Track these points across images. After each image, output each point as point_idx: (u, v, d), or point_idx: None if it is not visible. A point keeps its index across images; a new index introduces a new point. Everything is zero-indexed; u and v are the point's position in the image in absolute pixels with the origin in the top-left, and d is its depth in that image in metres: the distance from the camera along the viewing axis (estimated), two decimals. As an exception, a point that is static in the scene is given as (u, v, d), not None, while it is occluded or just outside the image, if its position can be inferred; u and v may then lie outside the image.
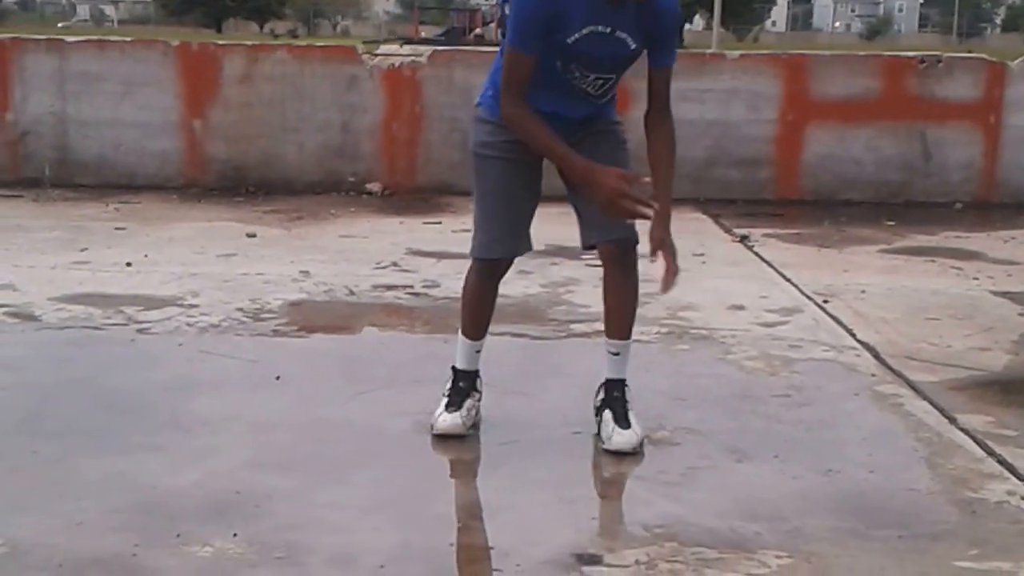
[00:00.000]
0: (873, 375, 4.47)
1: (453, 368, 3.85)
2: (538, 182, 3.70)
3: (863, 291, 5.90)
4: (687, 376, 4.47)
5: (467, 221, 7.44)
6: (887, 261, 6.86)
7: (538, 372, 4.51)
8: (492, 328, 4.95)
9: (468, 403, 3.78)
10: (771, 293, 5.86)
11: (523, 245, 3.73)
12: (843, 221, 8.20)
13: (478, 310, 3.83)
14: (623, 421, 3.67)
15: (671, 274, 3.57)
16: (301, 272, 6.10)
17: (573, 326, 5.16)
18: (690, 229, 7.69)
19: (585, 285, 5.92)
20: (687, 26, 76.37)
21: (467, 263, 6.20)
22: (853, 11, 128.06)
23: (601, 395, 3.79)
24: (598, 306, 5.40)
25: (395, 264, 6.27)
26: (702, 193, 8.89)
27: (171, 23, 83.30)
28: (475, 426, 3.79)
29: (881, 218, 8.32)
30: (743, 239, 7.37)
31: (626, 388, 3.76)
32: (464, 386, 3.81)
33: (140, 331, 4.91)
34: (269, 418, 3.87)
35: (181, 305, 5.35)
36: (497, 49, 3.72)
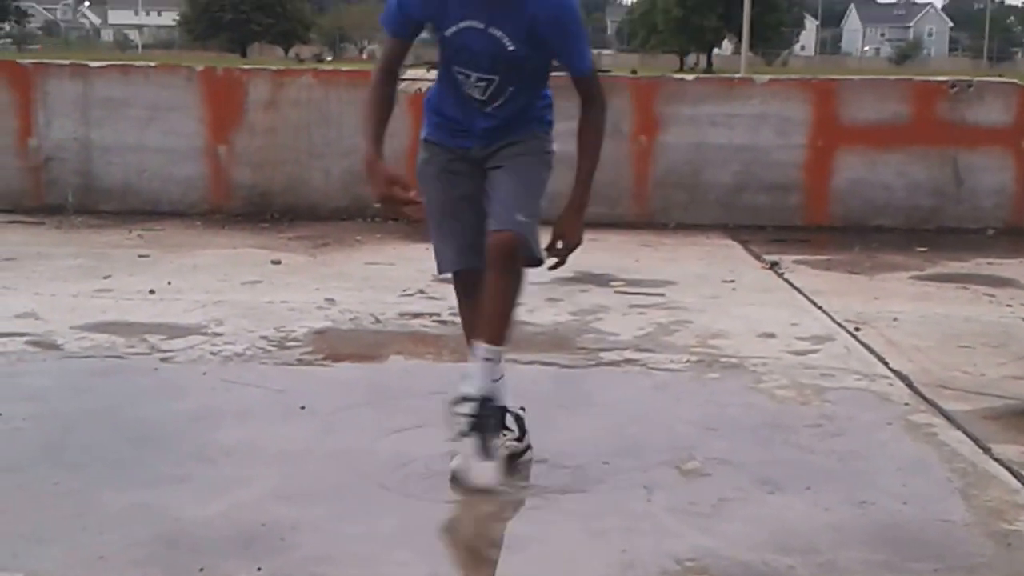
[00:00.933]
0: (906, 404, 4.40)
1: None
2: (474, 197, 3.63)
3: (895, 319, 5.82)
4: (718, 405, 4.40)
5: None
6: (919, 288, 6.78)
7: (568, 401, 4.44)
8: (520, 356, 4.94)
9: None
10: (802, 321, 5.79)
11: (475, 257, 3.64)
12: (874, 247, 8.11)
13: (465, 321, 3.84)
14: (487, 451, 3.48)
15: (554, 264, 3.61)
16: (326, 300, 6.05)
17: (603, 354, 5.10)
18: (719, 256, 7.69)
19: (614, 312, 5.87)
20: (715, 50, 76.51)
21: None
22: (882, 35, 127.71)
23: (466, 410, 3.49)
24: (628, 334, 5.43)
25: (421, 291, 6.22)
26: (731, 219, 8.85)
27: (196, 48, 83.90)
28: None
29: (912, 244, 8.23)
30: (773, 265, 7.29)
31: (507, 415, 3.59)
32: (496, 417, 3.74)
33: (163, 360, 4.87)
34: (295, 449, 3.82)
35: (205, 333, 5.31)
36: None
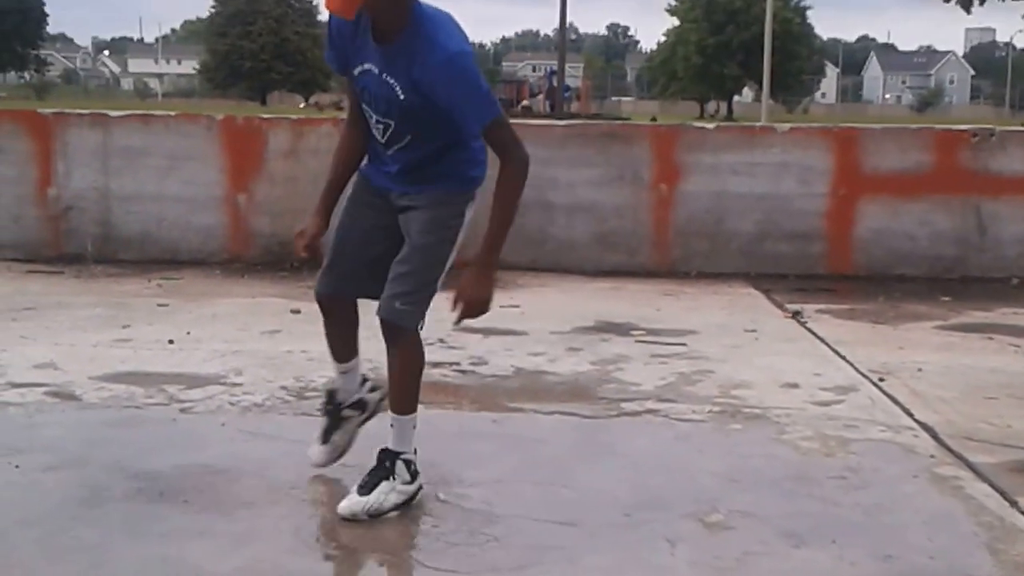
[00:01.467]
0: (932, 456, 4.35)
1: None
2: (381, 231, 3.73)
3: (919, 369, 5.77)
4: (741, 456, 4.36)
5: (515, 296, 7.51)
6: (943, 338, 6.71)
7: (589, 453, 4.40)
8: (540, 407, 4.91)
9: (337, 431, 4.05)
10: (825, 371, 5.74)
11: (349, 287, 3.83)
12: (897, 297, 8.04)
13: (332, 344, 4.06)
14: (366, 488, 3.65)
15: (456, 321, 3.65)
16: (345, 349, 6.01)
17: (624, 405, 5.06)
18: (741, 305, 7.64)
19: (635, 362, 5.83)
20: (736, 98, 76.80)
21: (517, 340, 6.25)
22: (903, 83, 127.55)
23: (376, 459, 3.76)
24: (649, 384, 5.39)
25: (441, 340, 6.18)
26: (753, 268, 8.80)
27: (216, 96, 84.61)
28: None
29: (936, 294, 8.15)
30: (796, 315, 7.24)
31: (400, 463, 3.71)
32: (331, 409, 4.09)
33: (182, 411, 4.85)
34: (314, 501, 3.80)
35: (224, 384, 5.29)
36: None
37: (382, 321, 3.65)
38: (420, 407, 4.97)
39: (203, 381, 5.32)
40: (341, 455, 4.05)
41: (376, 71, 3.46)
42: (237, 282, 8.34)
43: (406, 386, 3.73)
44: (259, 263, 8.95)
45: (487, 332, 6.43)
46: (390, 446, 3.73)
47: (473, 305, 3.59)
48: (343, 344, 4.00)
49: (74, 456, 4.21)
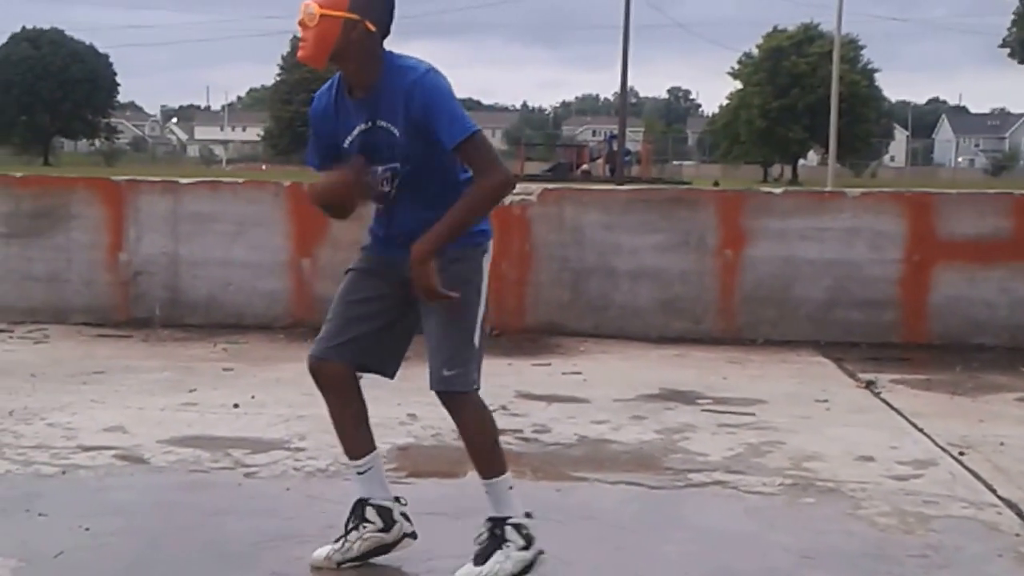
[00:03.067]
0: (1017, 535, 4.21)
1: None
2: (386, 301, 3.75)
3: (1002, 443, 5.59)
4: (815, 532, 4.25)
5: (578, 363, 7.46)
6: (1026, 411, 6.52)
7: (656, 525, 4.32)
8: (605, 476, 4.83)
9: (349, 536, 3.81)
10: (902, 443, 5.59)
11: (347, 353, 3.81)
12: (976, 367, 7.82)
13: (337, 425, 3.98)
14: (480, 558, 3.64)
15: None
16: (408, 415, 6.00)
17: (691, 475, 4.97)
18: (811, 373, 7.50)
19: (702, 432, 5.74)
20: (801, 161, 76.50)
21: (579, 407, 6.16)
22: (976, 146, 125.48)
23: (483, 527, 3.73)
24: (717, 454, 5.29)
25: (504, 407, 6.13)
26: (822, 335, 8.62)
27: (278, 162, 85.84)
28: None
29: (1017, 364, 7.92)
30: (869, 385, 7.07)
31: (509, 527, 3.68)
32: (355, 515, 3.84)
33: (248, 475, 4.86)
34: (377, 569, 3.77)
35: (288, 448, 5.29)
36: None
37: (438, 394, 3.68)
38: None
39: (268, 446, 5.33)
40: (345, 561, 3.79)
41: (368, 125, 3.54)
42: (301, 347, 8.33)
43: (484, 449, 3.72)
44: (321, 328, 8.95)
45: (550, 399, 6.38)
46: (492, 513, 3.70)
47: (422, 291, 3.55)
48: (355, 426, 3.91)
49: (143, 520, 4.23)
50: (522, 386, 6.75)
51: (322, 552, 3.78)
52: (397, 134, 3.51)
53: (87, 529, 4.09)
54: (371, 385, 6.72)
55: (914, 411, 6.32)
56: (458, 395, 3.66)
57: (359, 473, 3.86)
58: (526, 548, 3.68)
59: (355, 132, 3.57)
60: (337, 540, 3.79)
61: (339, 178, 3.58)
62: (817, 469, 5.06)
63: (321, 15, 3.42)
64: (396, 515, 3.83)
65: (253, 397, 6.40)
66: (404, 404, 6.25)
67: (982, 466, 5.15)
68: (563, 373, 7.12)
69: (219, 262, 9.17)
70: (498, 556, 3.62)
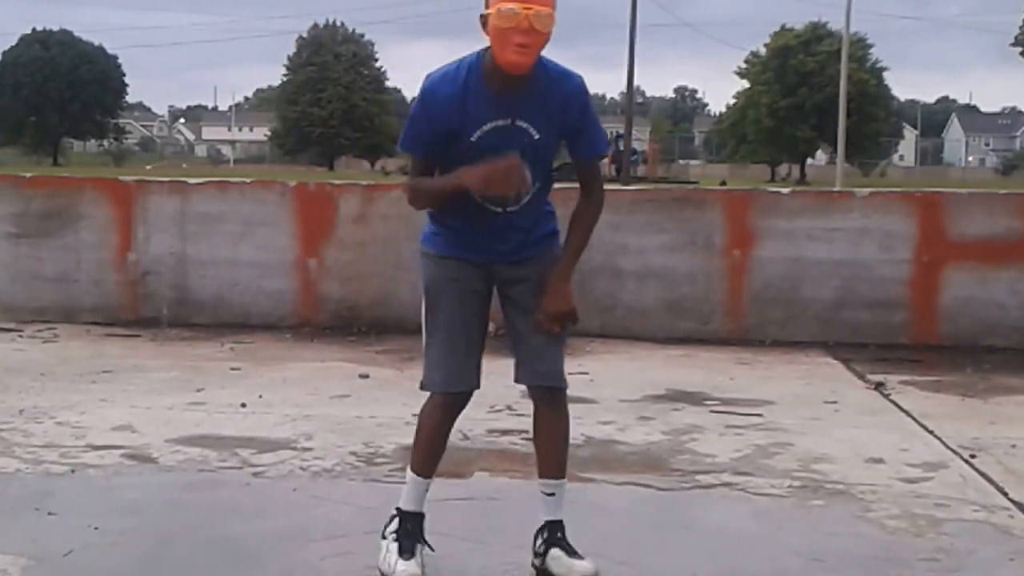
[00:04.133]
0: (1028, 538, 4.18)
1: (399, 510, 3.78)
2: (486, 314, 3.71)
3: (1013, 445, 5.55)
4: (824, 535, 4.22)
5: (584, 363, 7.44)
6: (1038, 412, 6.48)
7: (663, 527, 4.31)
8: (612, 478, 4.82)
9: (420, 547, 3.72)
10: (912, 446, 5.55)
11: (475, 380, 3.76)
12: (987, 368, 7.77)
13: (433, 445, 3.81)
14: (575, 554, 3.63)
15: (538, 324, 3.62)
16: (414, 415, 5.88)
17: (699, 477, 4.95)
18: (820, 374, 7.47)
19: (710, 433, 5.72)
20: (809, 160, 76.33)
21: (585, 407, 6.13)
22: (987, 145, 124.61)
23: (544, 536, 3.73)
24: (724, 456, 5.27)
25: (510, 408, 6.12)
26: (831, 336, 8.58)
27: (285, 162, 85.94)
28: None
29: (1029, 366, 7.88)
30: (878, 386, 7.03)
31: (564, 529, 3.71)
32: (412, 529, 3.74)
33: (255, 475, 4.86)
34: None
35: (295, 448, 5.29)
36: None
37: (551, 389, 3.69)
38: (487, 475, 4.97)
39: (275, 445, 5.33)
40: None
41: (507, 122, 3.44)
42: (307, 346, 8.36)
43: (567, 446, 3.79)
44: (328, 327, 8.97)
45: (558, 400, 6.36)
46: (555, 516, 3.74)
47: (557, 316, 3.59)
48: (442, 450, 3.85)
49: (151, 519, 4.25)
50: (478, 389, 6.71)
51: (412, 568, 3.64)
52: (536, 136, 3.47)
53: (96, 528, 4.09)
54: (375, 386, 6.79)
55: (924, 413, 6.28)
56: (562, 392, 3.71)
57: (426, 490, 3.82)
58: None
59: (487, 127, 3.44)
60: (411, 553, 3.68)
61: (510, 165, 3.39)
62: (826, 471, 5.04)
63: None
64: None
65: (260, 396, 6.41)
66: (410, 404, 6.20)
67: (993, 469, 5.12)
68: (569, 373, 7.03)
69: (226, 262, 9.17)
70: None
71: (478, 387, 3.76)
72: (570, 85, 3.48)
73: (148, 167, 68.19)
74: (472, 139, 3.45)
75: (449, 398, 3.73)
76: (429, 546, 3.73)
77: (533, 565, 3.74)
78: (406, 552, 3.66)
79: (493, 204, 3.52)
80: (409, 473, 3.80)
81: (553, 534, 3.70)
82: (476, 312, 3.67)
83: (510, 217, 3.57)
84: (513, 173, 3.39)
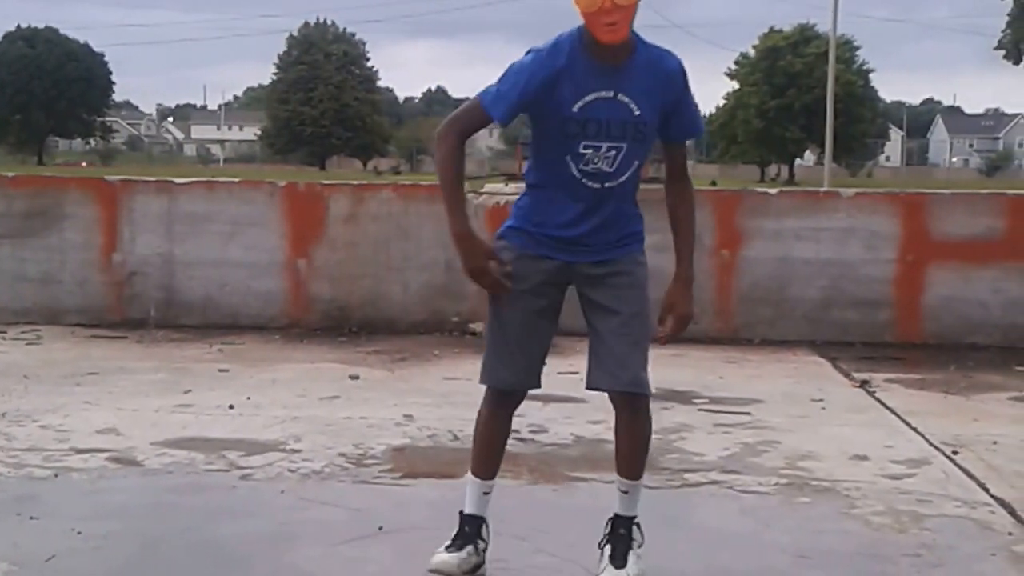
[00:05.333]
0: (1010, 534, 4.21)
1: (460, 512, 3.76)
2: (556, 316, 3.68)
3: (995, 442, 5.60)
4: (810, 532, 4.24)
5: (575, 363, 7.30)
6: (1019, 410, 6.53)
7: (652, 525, 4.27)
8: (601, 476, 4.82)
9: (469, 548, 3.69)
10: (896, 443, 5.59)
11: (535, 379, 3.71)
12: (970, 366, 7.84)
13: (491, 445, 3.78)
14: (619, 559, 3.60)
15: (666, 338, 3.67)
16: (405, 416, 6.00)
17: (687, 475, 4.96)
18: (807, 373, 7.52)
19: (698, 432, 5.74)
20: (797, 161, 76.57)
21: (577, 407, 6.15)
22: (971, 146, 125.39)
23: (607, 528, 3.70)
24: (713, 454, 5.29)
25: (501, 408, 6.12)
26: (818, 335, 8.66)
27: (276, 161, 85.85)
28: (473, 571, 3.67)
29: (1010, 363, 7.95)
30: (864, 384, 7.08)
31: (635, 527, 3.69)
32: (469, 531, 3.72)
33: (242, 477, 4.84)
34: (372, 570, 3.77)
35: (283, 450, 5.27)
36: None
37: (631, 396, 3.60)
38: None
39: (263, 447, 5.31)
40: (468, 571, 3.72)
41: (610, 94, 3.42)
42: (296, 347, 8.35)
43: (647, 449, 3.73)
44: (318, 328, 8.97)
45: (546, 399, 6.35)
46: (625, 512, 3.70)
47: (686, 320, 3.66)
48: (503, 448, 3.82)
49: (136, 523, 4.21)
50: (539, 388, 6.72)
51: (447, 559, 3.65)
52: (637, 112, 3.45)
53: (79, 532, 4.06)
54: (366, 387, 6.78)
55: (908, 410, 6.33)
56: (645, 397, 3.63)
57: (485, 493, 3.77)
58: (641, 546, 3.70)
59: (590, 97, 3.41)
60: (457, 549, 3.67)
61: (486, 270, 3.45)
62: (812, 468, 5.06)
63: None
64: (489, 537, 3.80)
65: (248, 398, 6.39)
66: (400, 405, 6.25)
67: (975, 465, 5.16)
68: (559, 373, 7.04)
69: (214, 262, 9.15)
70: (632, 556, 3.62)
71: (538, 387, 3.72)
72: (673, 63, 3.50)
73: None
74: (574, 109, 3.41)
75: (499, 395, 3.71)
76: (477, 551, 3.70)
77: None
78: (451, 547, 3.68)
79: (592, 180, 3.49)
80: (468, 474, 3.79)
81: (616, 529, 3.68)
82: (542, 312, 3.63)
83: (602, 194, 3.53)
84: (481, 276, 3.45)
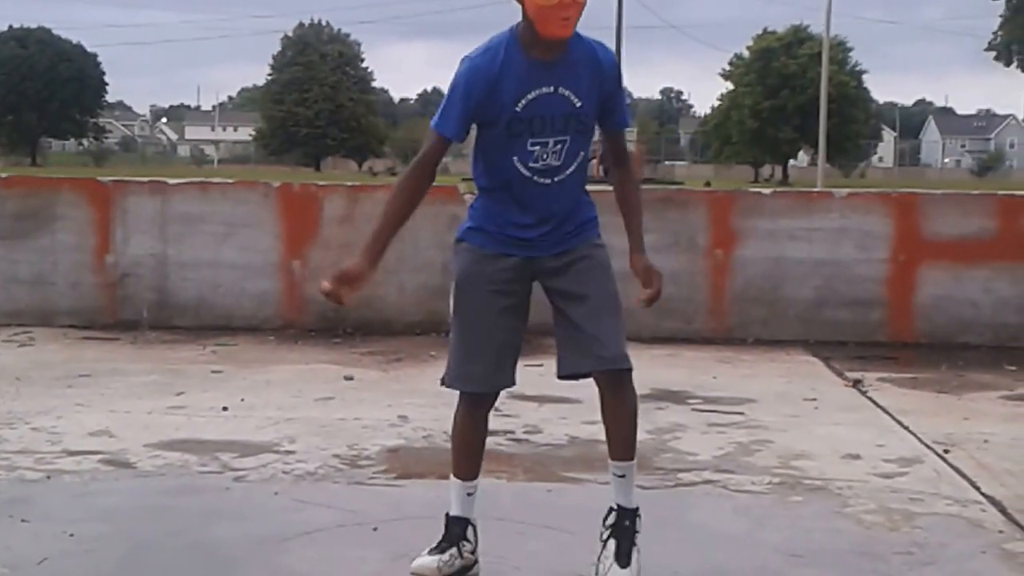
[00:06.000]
0: (1000, 532, 4.22)
1: (446, 515, 3.77)
2: (525, 313, 3.70)
3: (986, 440, 5.62)
4: (803, 530, 4.25)
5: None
6: (1010, 408, 6.54)
7: (646, 525, 4.26)
8: (595, 476, 4.83)
9: (452, 550, 3.69)
10: (888, 441, 5.61)
11: (507, 378, 3.73)
12: (961, 365, 7.86)
13: (470, 446, 3.80)
14: (624, 558, 3.58)
15: (652, 298, 3.75)
16: (399, 417, 6.00)
17: (681, 475, 4.97)
18: (800, 372, 7.53)
19: (692, 432, 5.74)
20: (791, 161, 76.68)
21: (570, 407, 6.14)
22: (963, 147, 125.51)
23: (611, 520, 3.68)
24: (707, 454, 5.30)
25: (495, 408, 6.02)
26: (811, 335, 8.66)
27: (271, 162, 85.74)
28: (461, 573, 3.68)
29: (1001, 362, 7.96)
30: (856, 383, 7.09)
31: (637, 518, 3.68)
32: (454, 533, 3.72)
33: (236, 479, 4.83)
34: (367, 572, 3.77)
35: (277, 451, 5.27)
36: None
37: (617, 372, 3.62)
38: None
39: (257, 449, 5.31)
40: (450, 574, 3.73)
41: (550, 89, 3.46)
42: (291, 348, 8.35)
43: (635, 427, 3.73)
44: (313, 329, 8.95)
45: (541, 400, 6.38)
46: (626, 502, 3.68)
47: (661, 277, 3.76)
48: (482, 448, 3.83)
49: (128, 526, 4.20)
50: (514, 387, 6.72)
51: (427, 562, 3.66)
52: (578, 104, 3.49)
53: (72, 535, 4.05)
54: (360, 388, 6.78)
55: (900, 409, 6.35)
56: (629, 372, 3.65)
57: (469, 494, 3.78)
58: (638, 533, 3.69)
59: (532, 95, 3.44)
60: (439, 552, 3.68)
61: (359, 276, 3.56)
62: (805, 467, 5.07)
63: None
64: (477, 538, 3.79)
65: (242, 400, 6.38)
66: (395, 406, 6.25)
67: (966, 463, 5.17)
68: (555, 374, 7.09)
69: (208, 263, 9.13)
70: (635, 553, 3.61)
71: (510, 385, 3.74)
72: (605, 53, 3.56)
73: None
74: (517, 109, 3.45)
75: (473, 396, 3.73)
76: (460, 554, 3.70)
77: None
78: (434, 549, 3.68)
79: (542, 176, 3.52)
80: (450, 476, 3.80)
81: (620, 522, 3.66)
82: (509, 309, 3.65)
83: (554, 189, 3.55)
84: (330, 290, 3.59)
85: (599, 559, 3.61)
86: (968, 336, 8.69)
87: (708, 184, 38.90)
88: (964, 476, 4.96)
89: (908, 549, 4.01)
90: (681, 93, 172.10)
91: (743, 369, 7.61)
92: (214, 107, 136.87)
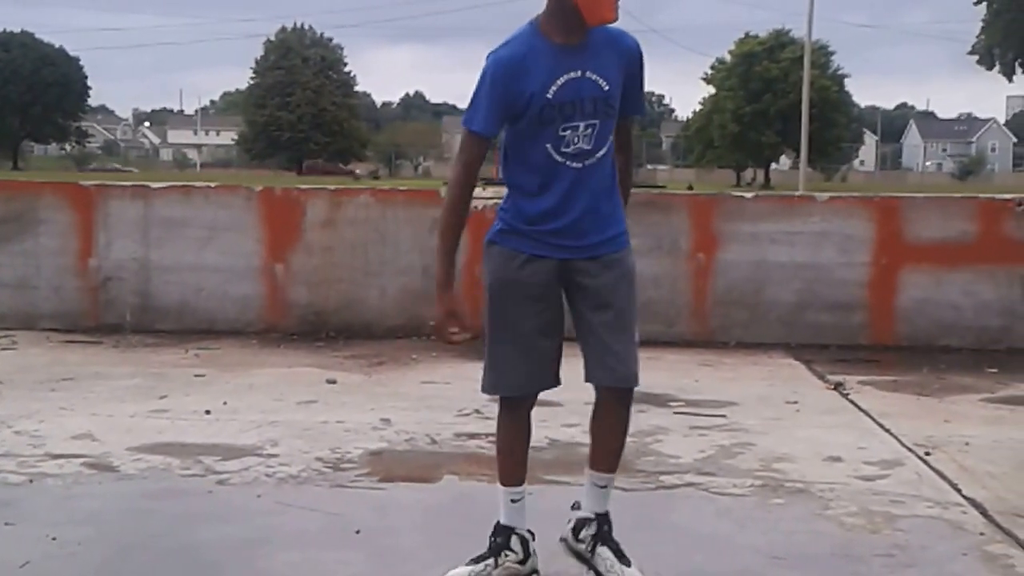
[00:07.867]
0: (981, 534, 4.24)
1: (497, 523, 3.78)
2: (560, 313, 3.70)
3: (967, 443, 5.64)
4: (783, 533, 4.27)
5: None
6: (991, 411, 6.57)
7: (627, 527, 4.29)
8: (577, 479, 4.82)
9: (488, 561, 3.69)
10: (869, 444, 5.63)
11: (548, 379, 3.74)
12: (942, 368, 7.89)
13: (514, 452, 3.82)
14: (623, 558, 3.66)
15: None
16: (382, 420, 6.00)
17: (663, 478, 4.99)
18: (782, 375, 7.55)
19: (674, 434, 5.76)
20: (773, 165, 76.86)
21: (556, 411, 6.15)
22: (944, 150, 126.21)
23: (591, 530, 3.75)
24: (688, 456, 5.32)
25: (478, 411, 6.14)
26: (793, 338, 8.70)
27: (253, 166, 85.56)
28: None
29: (982, 365, 8.00)
30: (838, 386, 7.12)
31: (610, 522, 3.77)
32: (498, 542, 3.73)
33: (219, 482, 4.83)
34: (350, 574, 3.76)
35: (260, 455, 5.27)
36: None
37: (625, 391, 3.69)
38: (455, 479, 4.98)
39: (239, 452, 5.30)
40: None
41: (578, 74, 3.48)
42: (273, 352, 8.34)
43: (625, 443, 3.82)
44: (295, 333, 8.95)
45: (523, 403, 6.37)
46: (601, 509, 3.79)
47: None
48: (525, 453, 3.84)
49: (111, 529, 4.20)
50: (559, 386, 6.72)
51: (456, 573, 3.66)
52: (605, 87, 3.51)
53: (54, 538, 4.05)
54: (343, 392, 6.78)
55: (881, 412, 6.37)
56: (632, 391, 3.71)
57: (513, 501, 3.77)
58: None
59: (561, 81, 3.46)
60: (475, 562, 3.69)
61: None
62: (786, 470, 5.09)
63: None
64: (532, 548, 3.76)
65: (225, 403, 6.37)
66: (378, 409, 6.25)
67: (948, 466, 5.19)
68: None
69: (191, 267, 9.12)
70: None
71: (552, 386, 3.75)
72: (631, 40, 3.59)
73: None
74: (549, 96, 3.46)
75: (510, 401, 3.74)
76: (498, 564, 3.70)
77: (562, 539, 3.85)
78: (471, 561, 3.70)
79: (574, 160, 3.53)
80: (497, 484, 3.81)
81: (601, 528, 3.74)
82: (544, 314, 3.64)
83: (585, 173, 3.55)
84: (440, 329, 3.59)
85: (594, 567, 3.66)
86: (949, 339, 8.73)
87: (690, 188, 39.05)
88: (945, 478, 4.98)
89: (889, 551, 4.03)
90: (663, 97, 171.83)
91: (725, 372, 7.64)
92: (196, 111, 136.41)
